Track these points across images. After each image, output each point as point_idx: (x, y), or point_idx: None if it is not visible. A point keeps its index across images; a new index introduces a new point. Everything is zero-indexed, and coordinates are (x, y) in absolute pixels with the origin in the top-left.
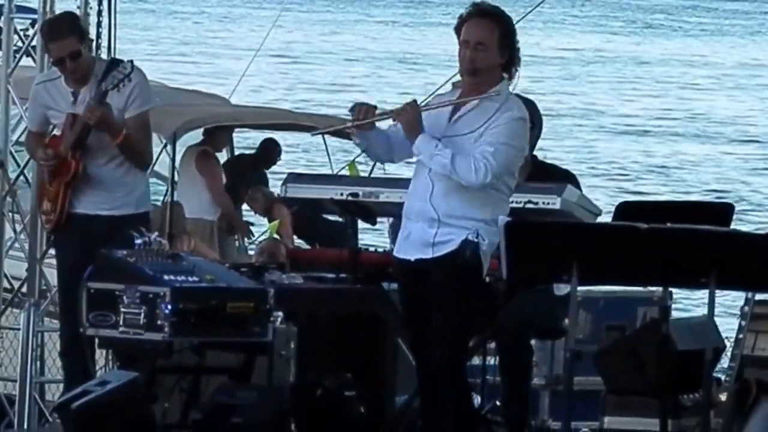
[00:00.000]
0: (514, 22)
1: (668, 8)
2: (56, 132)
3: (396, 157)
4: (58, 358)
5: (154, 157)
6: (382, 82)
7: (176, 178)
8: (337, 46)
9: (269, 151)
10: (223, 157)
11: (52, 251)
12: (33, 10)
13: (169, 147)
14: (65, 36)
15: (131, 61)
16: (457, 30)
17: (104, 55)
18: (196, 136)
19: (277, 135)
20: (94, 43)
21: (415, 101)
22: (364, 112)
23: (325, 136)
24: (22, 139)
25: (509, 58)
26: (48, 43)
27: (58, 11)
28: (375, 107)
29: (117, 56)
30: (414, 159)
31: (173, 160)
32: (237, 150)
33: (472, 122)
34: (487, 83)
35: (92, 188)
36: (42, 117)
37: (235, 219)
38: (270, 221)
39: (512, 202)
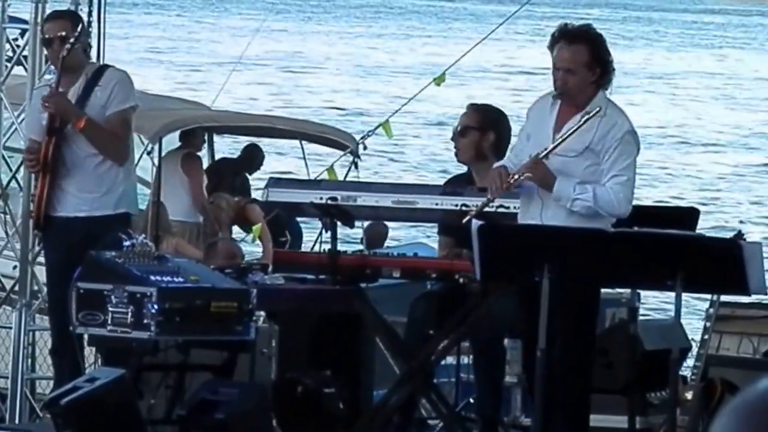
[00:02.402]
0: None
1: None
2: None
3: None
4: (49, 355)
5: (135, 160)
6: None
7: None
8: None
9: (252, 156)
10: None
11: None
12: (24, 21)
13: (153, 150)
14: (60, 17)
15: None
16: (550, 48)
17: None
18: (174, 141)
19: (258, 141)
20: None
21: (537, 154)
22: (499, 180)
23: (307, 142)
24: (13, 144)
25: (601, 73)
26: (44, 24)
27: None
28: (506, 169)
29: (106, 62)
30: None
31: (160, 162)
32: (220, 155)
33: (577, 142)
34: (583, 99)
35: (72, 185)
36: (39, 123)
37: (211, 222)
38: (241, 226)
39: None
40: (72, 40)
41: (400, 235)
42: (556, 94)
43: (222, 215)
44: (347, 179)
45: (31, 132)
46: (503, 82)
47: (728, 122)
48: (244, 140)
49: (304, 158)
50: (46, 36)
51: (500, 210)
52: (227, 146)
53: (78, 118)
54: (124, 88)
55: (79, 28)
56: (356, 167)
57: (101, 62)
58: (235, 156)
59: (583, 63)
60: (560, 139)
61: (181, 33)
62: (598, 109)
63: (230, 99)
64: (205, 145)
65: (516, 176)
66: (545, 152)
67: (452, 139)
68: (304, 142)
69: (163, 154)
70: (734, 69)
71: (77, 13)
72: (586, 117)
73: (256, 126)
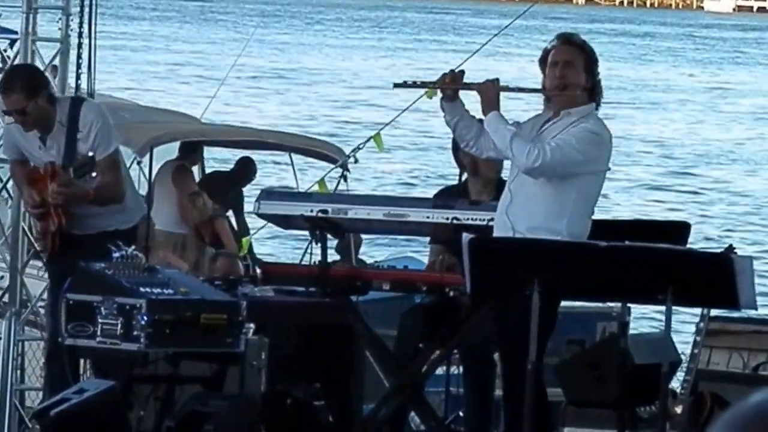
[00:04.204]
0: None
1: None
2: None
3: (483, 149)
4: (38, 366)
5: (128, 169)
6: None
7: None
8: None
9: (245, 169)
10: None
11: (33, 262)
12: (14, 31)
13: (143, 162)
14: (12, 93)
15: (93, 157)
16: (543, 60)
17: (84, 77)
18: (170, 152)
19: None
20: (74, 65)
21: (497, 79)
22: (450, 78)
23: (297, 155)
24: (2, 155)
25: (593, 86)
26: (1, 93)
27: (40, 33)
28: (462, 76)
29: (98, 74)
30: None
31: (151, 174)
32: (211, 167)
33: (552, 133)
34: (573, 103)
35: (77, 218)
36: (17, 151)
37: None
38: (204, 236)
39: (476, 219)
40: (29, 110)
41: (387, 250)
42: (555, 87)
43: (194, 213)
44: (337, 192)
45: (10, 155)
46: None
47: None
48: (234, 152)
49: (294, 171)
50: (4, 108)
51: (491, 224)
52: (219, 155)
53: (86, 196)
54: (105, 133)
55: (33, 96)
56: (345, 180)
57: (92, 75)
58: (224, 168)
59: (582, 61)
60: (524, 87)
61: (182, 45)
62: (580, 110)
63: (226, 112)
64: None
65: (467, 83)
66: (506, 85)
67: (454, 151)
68: (293, 154)
69: (158, 164)
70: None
71: (30, 75)
72: (569, 110)
73: (246, 139)
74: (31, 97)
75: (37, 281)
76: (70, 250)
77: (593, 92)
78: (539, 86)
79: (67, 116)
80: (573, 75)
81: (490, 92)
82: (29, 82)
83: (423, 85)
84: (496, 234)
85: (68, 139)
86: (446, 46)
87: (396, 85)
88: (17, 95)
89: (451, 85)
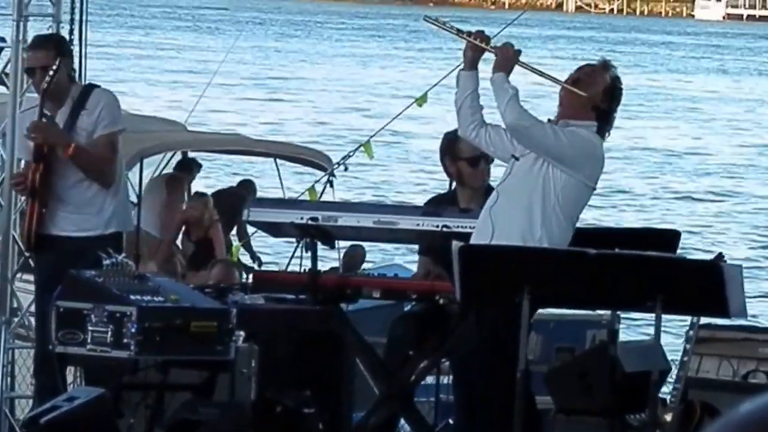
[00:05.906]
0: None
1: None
2: None
3: (482, 139)
4: (29, 374)
5: (124, 178)
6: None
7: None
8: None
9: (247, 191)
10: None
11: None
12: (3, 39)
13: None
14: (42, 48)
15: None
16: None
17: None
18: (154, 163)
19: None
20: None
21: (520, 51)
22: (478, 34)
23: (285, 161)
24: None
25: (605, 112)
26: (27, 51)
27: (30, 40)
28: (489, 39)
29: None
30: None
31: (140, 184)
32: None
33: None
34: (575, 116)
35: (61, 209)
36: (28, 145)
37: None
38: (193, 236)
39: (465, 227)
40: (52, 72)
41: (376, 257)
42: (569, 82)
43: (200, 210)
44: (323, 199)
45: (25, 155)
46: None
47: None
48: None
49: (279, 178)
50: (28, 65)
51: None
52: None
53: (66, 146)
54: (111, 112)
55: (61, 57)
56: (332, 186)
57: (83, 80)
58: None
59: (604, 81)
60: (543, 72)
61: (168, 52)
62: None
63: (212, 119)
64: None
65: (488, 43)
66: (525, 62)
67: (441, 159)
68: (279, 161)
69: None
70: None
71: (62, 39)
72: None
73: (233, 148)
74: (59, 55)
75: (25, 295)
76: (51, 250)
77: (602, 120)
78: (556, 87)
79: (79, 94)
80: (590, 80)
81: (508, 54)
82: (60, 42)
83: (452, 28)
84: (475, 234)
85: (72, 112)
86: (438, 54)
87: (427, 18)
88: (46, 51)
89: (476, 40)
